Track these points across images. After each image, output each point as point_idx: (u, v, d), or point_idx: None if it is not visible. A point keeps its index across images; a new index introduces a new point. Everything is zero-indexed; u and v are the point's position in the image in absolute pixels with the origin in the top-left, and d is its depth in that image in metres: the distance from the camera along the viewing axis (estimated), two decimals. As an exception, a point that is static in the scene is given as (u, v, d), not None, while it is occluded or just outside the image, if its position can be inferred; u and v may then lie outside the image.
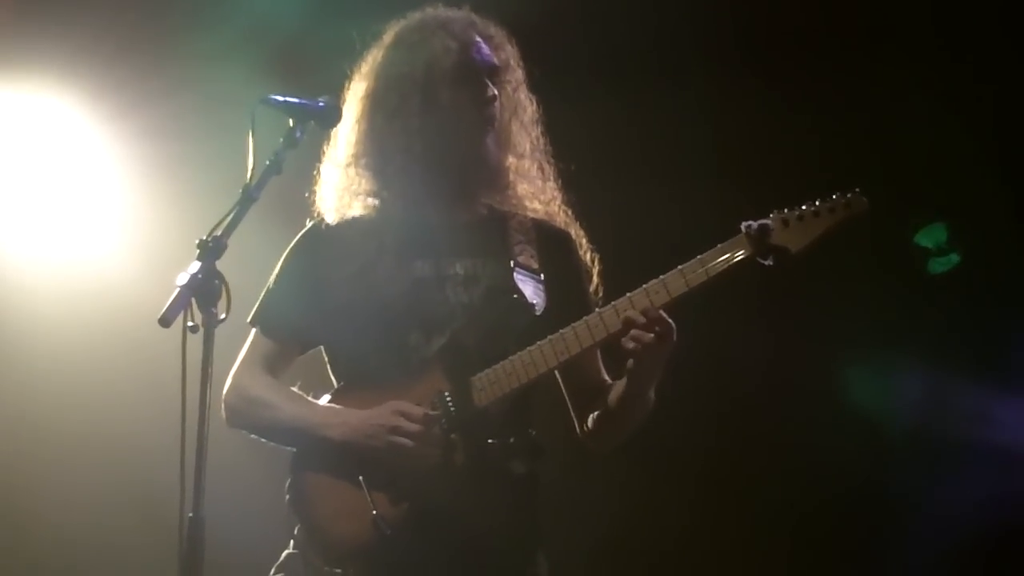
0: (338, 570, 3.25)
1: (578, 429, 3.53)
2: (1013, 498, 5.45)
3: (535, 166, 3.52)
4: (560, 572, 3.50)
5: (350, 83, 3.54)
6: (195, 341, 2.79)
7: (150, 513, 5.03)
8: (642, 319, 3.18)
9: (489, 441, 3.26)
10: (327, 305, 3.39)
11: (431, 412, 3.24)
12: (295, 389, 3.40)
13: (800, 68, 5.48)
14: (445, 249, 3.39)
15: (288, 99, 3.09)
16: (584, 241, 3.56)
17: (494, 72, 3.43)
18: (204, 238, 2.86)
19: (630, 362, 3.25)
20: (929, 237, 5.63)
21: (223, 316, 2.82)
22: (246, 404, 3.38)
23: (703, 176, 5.47)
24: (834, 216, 3.20)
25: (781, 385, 5.53)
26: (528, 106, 3.52)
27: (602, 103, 5.42)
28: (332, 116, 3.18)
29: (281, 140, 3.05)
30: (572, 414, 3.53)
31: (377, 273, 3.36)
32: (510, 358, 3.27)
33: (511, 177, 3.49)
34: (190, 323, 2.79)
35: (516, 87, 3.48)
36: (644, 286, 3.22)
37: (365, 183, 3.46)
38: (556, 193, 3.55)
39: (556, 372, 3.43)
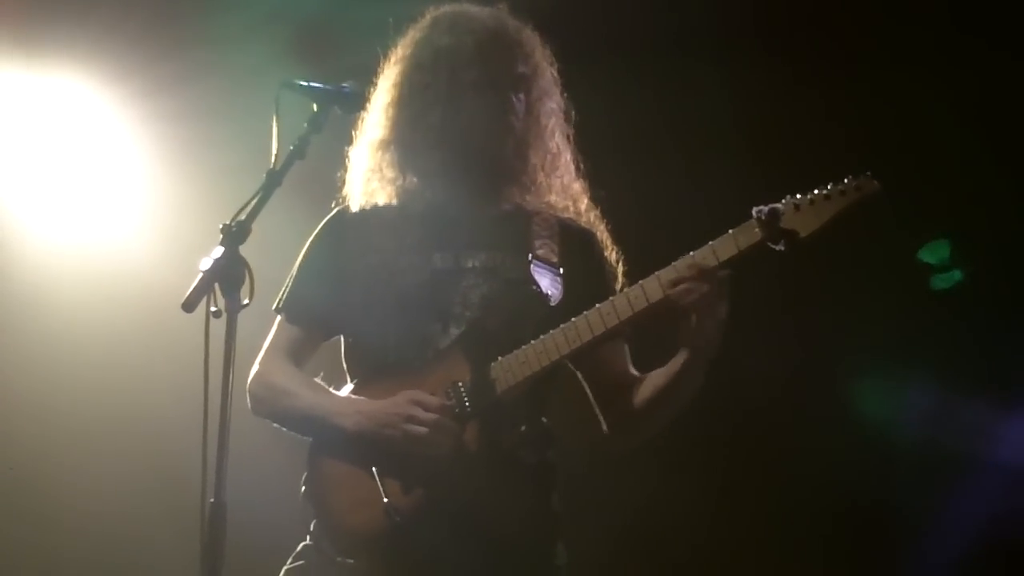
0: (350, 560, 3.24)
1: (605, 425, 3.49)
2: (1019, 516, 5.39)
3: (561, 166, 3.51)
4: (584, 564, 3.48)
5: (383, 64, 3.54)
6: (218, 326, 2.78)
7: (172, 499, 5.06)
8: (688, 274, 3.16)
9: (502, 430, 3.25)
10: (348, 294, 3.39)
11: (446, 402, 3.24)
12: (318, 380, 3.40)
13: (820, 58, 5.43)
14: (465, 242, 3.39)
15: (312, 84, 3.08)
16: (609, 241, 3.53)
17: (518, 82, 3.41)
18: (228, 223, 2.85)
19: (691, 320, 3.20)
20: (932, 253, 5.59)
21: (246, 301, 2.81)
22: (268, 392, 3.39)
23: (723, 161, 5.43)
24: (845, 199, 3.16)
25: (791, 395, 5.49)
26: (556, 110, 3.50)
27: (621, 86, 5.38)
28: (356, 102, 3.17)
29: (305, 125, 3.04)
30: (597, 410, 3.50)
31: (397, 264, 3.36)
32: (523, 347, 3.26)
33: (538, 177, 3.48)
34: (213, 308, 2.78)
35: (543, 94, 3.46)
36: (656, 273, 3.21)
37: (391, 171, 3.46)
38: (582, 193, 3.54)
39: (578, 372, 3.44)
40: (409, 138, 3.43)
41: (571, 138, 3.54)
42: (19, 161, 5.85)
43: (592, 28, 5.28)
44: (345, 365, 3.48)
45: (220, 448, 2.74)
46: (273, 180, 2.95)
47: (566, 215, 3.51)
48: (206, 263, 2.80)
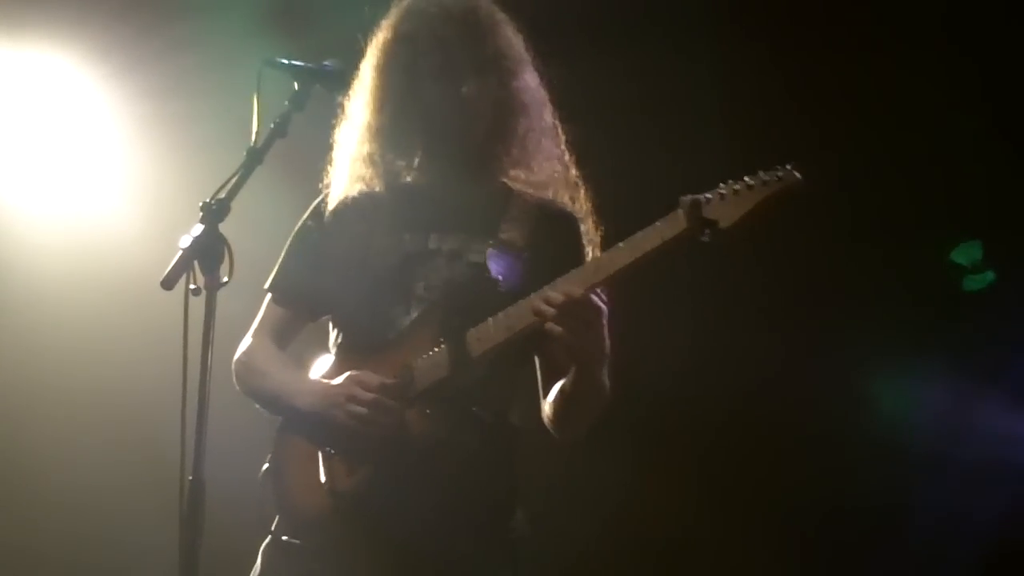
0: (296, 541, 3.28)
1: (543, 415, 3.44)
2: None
3: (544, 139, 3.47)
4: (564, 556, 3.46)
5: (365, 44, 3.52)
6: (197, 304, 2.78)
7: (151, 475, 5.03)
8: (551, 311, 3.10)
9: (447, 413, 3.24)
10: (329, 276, 3.42)
11: (388, 382, 3.23)
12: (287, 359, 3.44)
13: (823, 50, 5.43)
14: (435, 224, 3.39)
15: (294, 62, 3.08)
16: (591, 222, 3.48)
17: (485, 65, 3.37)
18: (208, 200, 2.85)
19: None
20: (964, 255, 5.56)
21: (226, 279, 2.81)
22: (246, 372, 3.43)
23: (702, 141, 5.41)
24: (766, 189, 3.03)
25: (802, 390, 5.47)
26: (532, 84, 3.46)
27: (599, 61, 5.32)
28: (338, 80, 3.17)
29: (286, 103, 3.03)
30: (541, 401, 3.44)
31: (371, 247, 3.38)
32: (476, 327, 3.22)
33: (518, 153, 3.45)
34: (192, 286, 2.78)
35: (514, 72, 3.42)
36: (591, 259, 3.21)
37: (368, 154, 3.46)
38: (564, 174, 3.49)
39: (535, 355, 3.40)
40: (381, 123, 3.44)
41: (550, 118, 3.49)
42: (-3, 137, 5.84)
43: (569, 5, 5.27)
44: (330, 346, 3.50)
45: (199, 425, 2.74)
46: (254, 158, 2.95)
47: (547, 195, 3.48)
48: (186, 241, 2.80)
